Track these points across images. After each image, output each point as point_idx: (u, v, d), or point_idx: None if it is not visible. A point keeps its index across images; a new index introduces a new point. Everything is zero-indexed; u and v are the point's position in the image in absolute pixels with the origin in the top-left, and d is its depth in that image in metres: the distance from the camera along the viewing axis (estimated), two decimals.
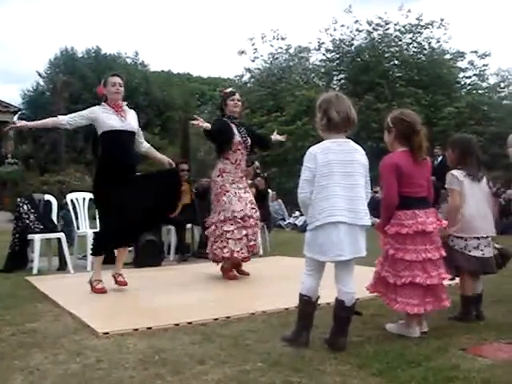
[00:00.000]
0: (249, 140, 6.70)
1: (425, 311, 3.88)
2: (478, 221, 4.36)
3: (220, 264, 6.69)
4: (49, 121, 5.92)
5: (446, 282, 4.05)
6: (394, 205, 3.88)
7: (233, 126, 6.65)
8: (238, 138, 6.59)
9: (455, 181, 4.37)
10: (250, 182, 9.22)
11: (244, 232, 6.42)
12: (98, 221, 7.04)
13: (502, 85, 21.97)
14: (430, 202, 4.07)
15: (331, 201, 3.56)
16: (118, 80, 5.90)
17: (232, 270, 6.70)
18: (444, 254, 3.93)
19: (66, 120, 5.77)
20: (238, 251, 6.40)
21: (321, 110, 3.70)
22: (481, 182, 4.44)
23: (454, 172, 4.40)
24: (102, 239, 5.88)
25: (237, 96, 6.80)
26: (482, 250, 4.33)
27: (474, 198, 4.37)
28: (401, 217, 3.86)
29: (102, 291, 5.72)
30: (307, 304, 3.73)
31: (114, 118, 5.78)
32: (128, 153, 5.86)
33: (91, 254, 6.13)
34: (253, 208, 6.60)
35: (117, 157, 5.74)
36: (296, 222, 16.08)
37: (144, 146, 6.15)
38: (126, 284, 5.88)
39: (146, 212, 5.76)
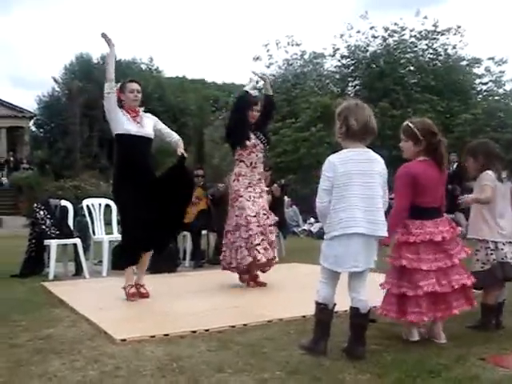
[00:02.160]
0: (264, 144, 6.66)
1: (435, 318, 3.87)
2: (507, 226, 4.33)
3: (235, 272, 6.63)
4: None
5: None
6: (404, 216, 3.88)
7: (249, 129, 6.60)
8: (252, 140, 6.54)
9: (490, 178, 4.29)
10: (266, 189, 9.24)
11: (260, 238, 6.33)
12: (117, 226, 7.05)
13: None
14: (443, 211, 4.05)
15: (349, 211, 3.54)
16: (136, 87, 5.89)
17: (253, 276, 6.61)
18: (457, 262, 3.89)
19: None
20: (252, 258, 6.29)
21: (340, 118, 3.67)
22: (506, 184, 4.41)
23: (488, 171, 4.32)
24: (126, 252, 5.92)
25: (258, 107, 6.68)
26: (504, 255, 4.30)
27: (501, 200, 4.35)
28: (408, 226, 3.88)
29: (134, 295, 5.71)
30: (324, 312, 3.71)
31: (131, 122, 5.77)
32: (144, 158, 5.84)
33: (116, 268, 6.11)
34: (264, 214, 6.52)
35: (132, 162, 5.73)
36: (311, 229, 16.04)
37: (174, 137, 6.16)
38: (148, 296, 5.81)
39: (164, 217, 5.75)
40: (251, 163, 6.56)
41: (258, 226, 6.35)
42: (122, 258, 6.02)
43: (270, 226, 6.54)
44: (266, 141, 6.69)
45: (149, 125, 5.95)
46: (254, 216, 6.38)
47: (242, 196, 6.45)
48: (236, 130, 6.63)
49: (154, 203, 5.71)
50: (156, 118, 6.13)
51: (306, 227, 16.62)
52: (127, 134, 5.74)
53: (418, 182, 3.87)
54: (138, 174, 5.71)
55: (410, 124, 4.01)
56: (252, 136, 6.57)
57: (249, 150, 6.54)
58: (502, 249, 4.27)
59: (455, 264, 3.89)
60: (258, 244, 6.30)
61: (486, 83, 22.11)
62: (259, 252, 6.28)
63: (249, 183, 6.53)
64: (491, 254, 4.25)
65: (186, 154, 5.97)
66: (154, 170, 6.06)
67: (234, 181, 6.57)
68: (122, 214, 6.04)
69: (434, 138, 3.93)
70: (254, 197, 6.51)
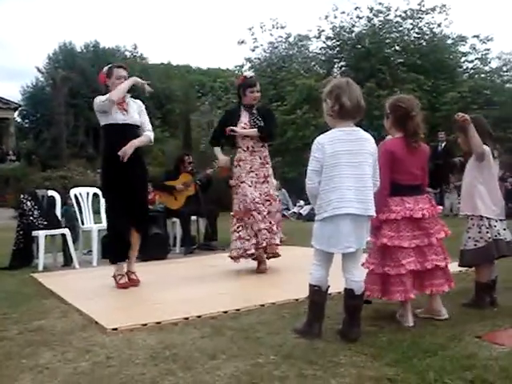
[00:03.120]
0: (260, 125, 6.42)
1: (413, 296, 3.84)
2: (498, 203, 4.32)
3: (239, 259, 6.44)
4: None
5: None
6: (385, 193, 3.84)
7: (244, 112, 6.48)
8: (242, 124, 6.41)
9: (487, 148, 4.26)
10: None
11: (263, 224, 6.21)
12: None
13: (505, 68, 21.83)
14: (424, 190, 4.04)
15: (339, 192, 3.50)
16: (123, 73, 5.77)
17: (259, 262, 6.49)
18: (435, 241, 3.87)
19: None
20: (255, 243, 6.21)
21: (332, 96, 3.59)
22: (496, 161, 4.38)
23: (484, 147, 4.26)
24: (113, 244, 5.93)
25: (257, 87, 6.51)
26: (505, 234, 4.30)
27: (493, 178, 4.35)
28: (389, 203, 3.85)
29: (124, 286, 5.66)
30: (317, 294, 3.68)
31: (116, 111, 5.66)
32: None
33: (110, 261, 5.97)
34: (267, 200, 6.37)
35: (119, 150, 5.60)
36: (301, 212, 16.04)
37: (145, 135, 5.88)
38: (138, 283, 5.80)
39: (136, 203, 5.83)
40: (248, 148, 6.42)
41: (258, 212, 6.25)
42: (111, 252, 5.98)
43: (274, 212, 6.40)
44: (259, 124, 6.42)
45: (135, 111, 5.84)
46: (256, 202, 6.26)
47: (243, 182, 6.34)
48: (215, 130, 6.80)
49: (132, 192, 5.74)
50: (142, 107, 5.99)
51: (295, 210, 16.62)
52: (115, 123, 5.65)
53: (394, 158, 3.85)
54: (125, 164, 5.61)
55: (386, 102, 4.04)
56: (245, 119, 6.45)
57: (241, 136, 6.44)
58: (495, 226, 4.26)
59: (432, 243, 3.87)
60: (260, 230, 6.21)
61: (471, 61, 22.11)
62: (262, 238, 6.20)
63: (250, 168, 6.38)
64: (486, 231, 4.23)
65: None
66: (142, 158, 5.97)
67: (235, 167, 6.47)
68: (108, 205, 5.99)
69: (400, 111, 3.90)
70: (257, 182, 6.38)
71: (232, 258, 6.42)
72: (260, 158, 6.45)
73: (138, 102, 5.96)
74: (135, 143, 5.66)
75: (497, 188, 4.36)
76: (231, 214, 6.52)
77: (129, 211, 5.70)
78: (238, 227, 6.36)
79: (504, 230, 4.32)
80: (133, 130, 5.76)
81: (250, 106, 6.50)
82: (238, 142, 6.44)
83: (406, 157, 3.88)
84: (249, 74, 6.80)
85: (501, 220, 4.32)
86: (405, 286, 3.79)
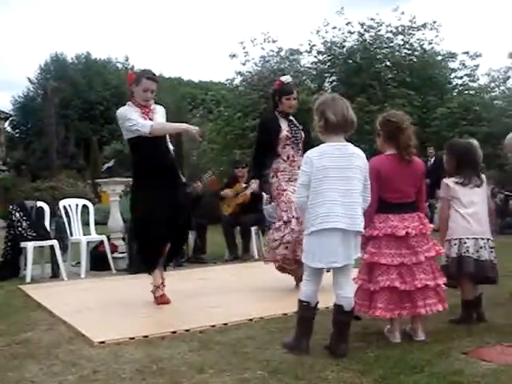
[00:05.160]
0: (301, 134, 6.11)
1: (399, 316, 3.84)
2: (474, 224, 4.32)
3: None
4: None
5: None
6: (372, 209, 3.84)
7: (282, 120, 6.10)
8: (285, 132, 6.03)
9: (444, 188, 4.40)
10: (244, 185, 9.18)
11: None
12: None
13: (493, 85, 21.97)
14: (418, 206, 4.03)
15: (326, 206, 3.51)
16: (152, 87, 5.37)
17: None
18: (423, 259, 3.85)
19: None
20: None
21: (318, 113, 3.66)
22: (480, 188, 4.40)
23: (445, 180, 4.40)
24: (145, 256, 5.59)
25: (294, 95, 6.10)
26: (478, 252, 4.29)
27: (470, 204, 4.35)
28: (374, 220, 3.87)
29: (164, 301, 5.39)
30: (306, 309, 3.68)
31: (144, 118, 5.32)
32: (162, 155, 5.45)
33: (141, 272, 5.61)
34: None
35: (152, 160, 5.32)
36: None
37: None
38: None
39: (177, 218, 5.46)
40: (288, 157, 6.05)
41: (301, 221, 5.86)
42: (144, 263, 5.66)
43: None
44: (299, 132, 6.11)
45: (162, 118, 5.52)
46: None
47: (285, 190, 5.96)
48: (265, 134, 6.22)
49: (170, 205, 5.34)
50: (163, 110, 5.64)
51: None
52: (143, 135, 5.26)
53: (380, 176, 3.85)
54: (156, 170, 5.31)
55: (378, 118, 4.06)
56: (285, 127, 6.07)
57: (283, 143, 6.05)
58: (465, 243, 4.28)
59: (421, 261, 3.84)
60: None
61: (461, 77, 22.23)
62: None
63: (289, 178, 6.01)
64: (450, 249, 4.30)
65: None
66: (176, 167, 5.67)
67: (272, 177, 6.11)
68: (140, 220, 5.50)
69: (390, 125, 3.91)
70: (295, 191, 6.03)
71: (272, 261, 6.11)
72: (298, 168, 6.10)
73: (161, 107, 5.64)
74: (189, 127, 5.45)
75: (479, 211, 4.39)
76: (275, 224, 6.09)
77: (169, 224, 5.34)
78: (280, 236, 5.90)
79: (481, 248, 4.30)
80: (162, 138, 5.47)
81: (285, 113, 6.13)
82: (279, 151, 6.05)
83: (395, 174, 3.89)
84: (286, 78, 6.29)
85: (482, 239, 4.33)
86: (382, 303, 3.79)
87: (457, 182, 4.36)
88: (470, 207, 4.34)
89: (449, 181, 4.39)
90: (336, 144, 3.61)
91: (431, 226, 3.98)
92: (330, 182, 3.53)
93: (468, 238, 4.29)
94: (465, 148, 4.55)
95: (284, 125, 6.07)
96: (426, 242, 3.91)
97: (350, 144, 3.67)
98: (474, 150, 4.54)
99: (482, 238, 4.32)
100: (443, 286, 3.98)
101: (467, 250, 4.26)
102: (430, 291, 3.88)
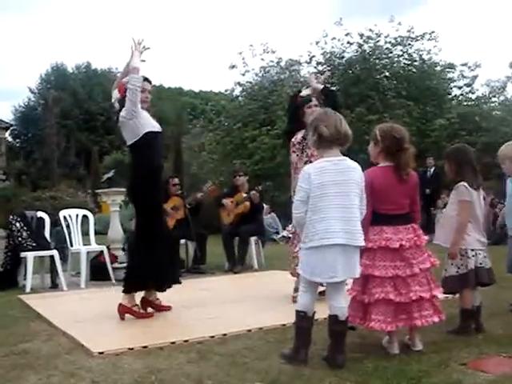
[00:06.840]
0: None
1: (396, 328, 3.84)
2: (483, 236, 4.39)
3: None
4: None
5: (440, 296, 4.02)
6: (368, 221, 3.85)
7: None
8: (298, 139, 5.90)
9: (465, 191, 4.32)
10: (244, 195, 9.21)
11: None
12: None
13: (491, 95, 22.01)
14: (413, 218, 4.02)
15: (326, 223, 3.53)
16: (148, 87, 5.37)
17: None
18: (418, 271, 3.84)
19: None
20: None
21: (311, 128, 3.71)
22: (479, 191, 4.43)
23: (461, 183, 4.34)
24: (138, 275, 5.30)
25: (314, 102, 5.96)
26: (485, 261, 4.35)
27: (478, 207, 4.40)
28: (368, 232, 3.86)
29: (147, 316, 5.32)
30: (304, 320, 3.69)
31: (150, 117, 5.30)
32: (161, 158, 5.44)
33: (123, 291, 5.25)
34: None
35: (157, 162, 5.29)
36: (290, 236, 15.98)
37: None
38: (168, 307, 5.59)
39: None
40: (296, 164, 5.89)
41: None
42: (131, 283, 5.33)
43: None
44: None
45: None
46: None
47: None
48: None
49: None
50: None
51: (285, 234, 16.58)
52: (157, 131, 5.24)
53: (373, 188, 3.85)
54: (159, 173, 5.29)
55: (376, 127, 4.06)
56: (299, 136, 5.89)
57: (292, 149, 5.97)
58: (480, 253, 4.31)
59: (415, 273, 3.84)
60: None
61: (460, 87, 22.27)
62: None
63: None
64: (468, 260, 4.28)
65: None
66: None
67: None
68: (144, 227, 5.32)
69: (393, 141, 3.90)
70: None
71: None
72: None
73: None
74: None
75: (479, 218, 4.41)
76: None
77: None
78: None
79: (485, 257, 4.36)
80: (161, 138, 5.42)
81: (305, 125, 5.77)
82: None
83: (389, 186, 3.89)
84: (304, 92, 6.27)
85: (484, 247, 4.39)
86: (378, 315, 3.80)
87: (469, 186, 4.34)
88: (479, 211, 4.38)
89: (463, 184, 4.33)
90: (333, 159, 3.63)
91: (425, 238, 3.96)
92: (329, 199, 3.55)
93: (481, 250, 4.35)
94: (461, 151, 4.57)
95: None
96: (421, 254, 3.91)
97: (346, 158, 3.69)
98: (469, 150, 4.60)
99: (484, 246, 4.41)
100: (444, 294, 3.99)
101: (482, 262, 4.32)
102: (426, 303, 3.88)
